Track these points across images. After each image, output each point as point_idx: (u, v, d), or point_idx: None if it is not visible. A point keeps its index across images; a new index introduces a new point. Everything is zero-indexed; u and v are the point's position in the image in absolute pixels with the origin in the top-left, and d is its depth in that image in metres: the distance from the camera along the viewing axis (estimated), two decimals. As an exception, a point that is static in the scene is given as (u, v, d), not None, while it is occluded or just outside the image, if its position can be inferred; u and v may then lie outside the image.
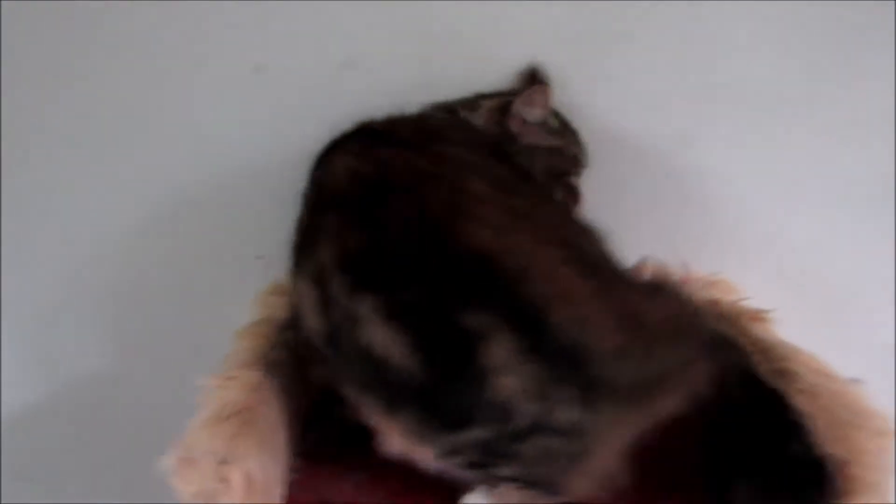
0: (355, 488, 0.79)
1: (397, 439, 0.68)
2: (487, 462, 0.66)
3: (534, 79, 0.93)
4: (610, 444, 0.65)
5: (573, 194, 0.90)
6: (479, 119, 0.89)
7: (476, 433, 0.63)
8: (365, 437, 0.72)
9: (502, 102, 0.89)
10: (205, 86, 0.95)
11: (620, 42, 0.93)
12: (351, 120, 0.88)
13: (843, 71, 0.94)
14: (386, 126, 0.81)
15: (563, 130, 0.91)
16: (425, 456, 0.68)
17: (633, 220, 0.93)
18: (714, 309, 0.90)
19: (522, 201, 0.70)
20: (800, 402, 0.72)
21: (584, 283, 0.63)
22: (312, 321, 0.68)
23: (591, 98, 0.94)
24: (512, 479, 0.69)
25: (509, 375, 0.60)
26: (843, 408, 0.69)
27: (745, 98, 0.95)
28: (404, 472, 0.75)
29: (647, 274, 0.92)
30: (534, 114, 0.88)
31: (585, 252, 0.69)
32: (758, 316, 0.88)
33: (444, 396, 0.62)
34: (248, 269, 0.98)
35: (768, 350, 0.81)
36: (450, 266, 0.62)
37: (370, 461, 0.80)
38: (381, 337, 0.62)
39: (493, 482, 0.71)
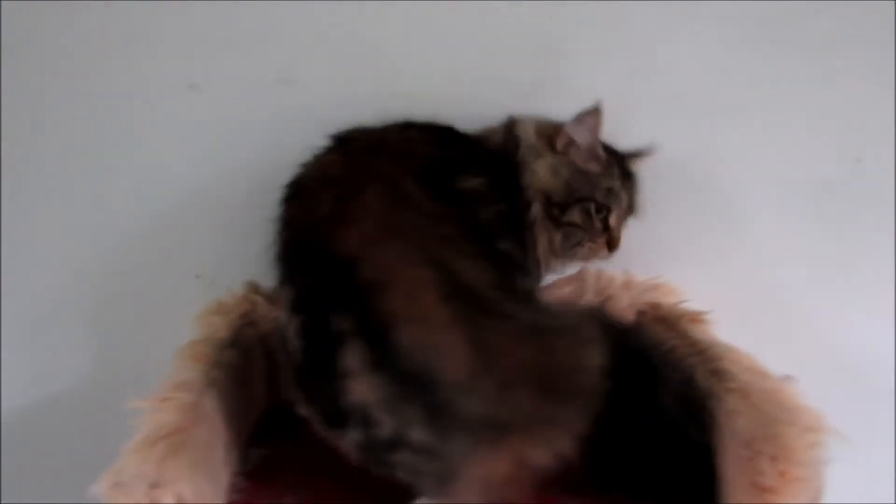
0: (297, 505, 0.79)
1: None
2: (378, 466, 0.68)
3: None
4: (474, 474, 0.65)
5: (590, 225, 0.89)
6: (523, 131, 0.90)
7: (352, 434, 0.66)
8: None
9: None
10: (140, 104, 0.94)
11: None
12: (287, 134, 0.90)
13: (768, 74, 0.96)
14: (352, 133, 0.84)
15: (608, 165, 0.90)
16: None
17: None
18: (655, 312, 0.92)
19: (416, 219, 0.71)
20: (731, 400, 0.73)
21: (443, 310, 0.64)
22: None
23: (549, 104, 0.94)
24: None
25: (362, 383, 0.63)
26: (774, 404, 0.70)
27: (694, 100, 0.98)
28: (347, 491, 0.77)
29: (587, 289, 0.95)
30: (583, 135, 0.87)
31: (464, 280, 0.68)
32: (696, 318, 0.90)
33: (316, 391, 0.68)
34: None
35: (704, 350, 0.82)
36: (325, 268, 0.68)
37: (314, 479, 0.82)
38: (290, 326, 0.70)
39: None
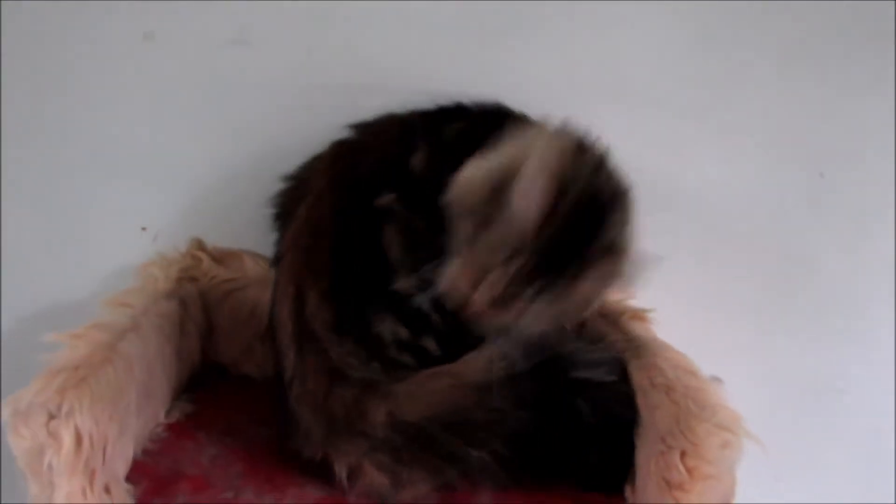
0: (210, 462, 0.78)
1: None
2: None
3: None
4: None
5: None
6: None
7: None
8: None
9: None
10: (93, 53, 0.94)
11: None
12: (239, 96, 0.89)
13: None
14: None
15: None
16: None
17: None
18: (599, 308, 0.91)
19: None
20: (655, 395, 0.73)
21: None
22: None
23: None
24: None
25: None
26: (694, 401, 0.69)
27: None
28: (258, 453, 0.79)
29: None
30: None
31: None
32: (638, 315, 0.89)
33: None
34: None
35: (640, 346, 0.81)
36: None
37: (237, 433, 0.82)
38: None
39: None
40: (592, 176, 0.71)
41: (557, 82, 0.93)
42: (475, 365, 0.74)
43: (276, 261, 0.78)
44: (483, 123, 0.77)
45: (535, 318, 0.71)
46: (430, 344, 0.76)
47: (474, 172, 0.71)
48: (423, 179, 0.75)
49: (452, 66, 0.92)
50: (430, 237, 0.72)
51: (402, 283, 0.74)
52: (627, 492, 0.73)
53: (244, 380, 0.94)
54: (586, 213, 0.70)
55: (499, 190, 0.69)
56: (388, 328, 0.74)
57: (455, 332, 0.75)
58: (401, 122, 0.81)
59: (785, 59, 0.94)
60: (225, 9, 0.92)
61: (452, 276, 0.71)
